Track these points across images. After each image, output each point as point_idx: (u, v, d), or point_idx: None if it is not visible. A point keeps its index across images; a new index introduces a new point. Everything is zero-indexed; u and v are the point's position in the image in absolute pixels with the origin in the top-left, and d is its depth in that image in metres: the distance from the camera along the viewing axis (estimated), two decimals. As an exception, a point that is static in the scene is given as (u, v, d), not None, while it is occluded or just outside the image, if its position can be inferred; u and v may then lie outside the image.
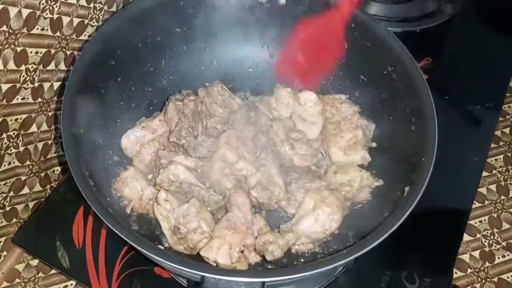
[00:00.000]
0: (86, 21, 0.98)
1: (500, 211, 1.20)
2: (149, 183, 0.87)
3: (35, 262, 1.06)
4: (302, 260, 0.81)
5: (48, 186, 1.11)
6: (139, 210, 0.85)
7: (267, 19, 0.99)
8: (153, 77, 0.98)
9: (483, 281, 1.10)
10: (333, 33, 0.90)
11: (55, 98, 1.00)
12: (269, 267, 0.80)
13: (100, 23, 1.02)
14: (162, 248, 0.78)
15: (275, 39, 1.02)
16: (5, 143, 0.92)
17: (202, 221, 0.80)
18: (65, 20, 0.92)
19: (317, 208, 0.82)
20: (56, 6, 0.88)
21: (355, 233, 0.81)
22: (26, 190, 1.04)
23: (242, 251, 0.80)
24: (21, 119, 0.93)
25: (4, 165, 0.94)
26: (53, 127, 1.04)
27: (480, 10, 1.33)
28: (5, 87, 0.85)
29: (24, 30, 0.83)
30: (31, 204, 1.08)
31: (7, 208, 1.02)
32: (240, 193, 0.84)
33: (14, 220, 1.06)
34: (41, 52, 0.89)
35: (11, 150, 0.94)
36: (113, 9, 1.06)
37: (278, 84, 0.96)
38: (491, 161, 1.29)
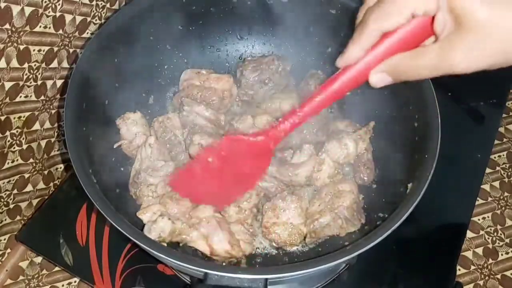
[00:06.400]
0: (88, 18, 0.98)
1: (503, 208, 1.19)
2: (146, 133, 0.89)
3: (38, 259, 1.06)
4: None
5: (51, 184, 1.11)
6: (125, 151, 0.88)
7: (270, 16, 0.99)
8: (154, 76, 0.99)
9: (487, 278, 1.10)
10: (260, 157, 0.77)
11: (58, 96, 1.00)
12: (258, 260, 0.82)
13: (103, 20, 1.02)
14: (165, 245, 0.78)
15: (277, 38, 1.03)
16: (9, 141, 0.92)
17: (162, 183, 0.81)
18: (68, 18, 0.92)
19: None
20: (59, 4, 0.88)
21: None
22: (29, 187, 1.04)
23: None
24: (24, 117, 0.93)
25: (8, 163, 0.95)
26: (56, 124, 1.04)
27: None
28: (8, 85, 0.85)
29: (27, 28, 0.83)
30: (34, 202, 1.08)
31: (11, 206, 1.02)
32: None
33: (18, 217, 1.06)
34: (44, 50, 0.90)
35: (14, 148, 0.94)
36: (116, 6, 1.06)
37: None
38: (495, 157, 1.28)
